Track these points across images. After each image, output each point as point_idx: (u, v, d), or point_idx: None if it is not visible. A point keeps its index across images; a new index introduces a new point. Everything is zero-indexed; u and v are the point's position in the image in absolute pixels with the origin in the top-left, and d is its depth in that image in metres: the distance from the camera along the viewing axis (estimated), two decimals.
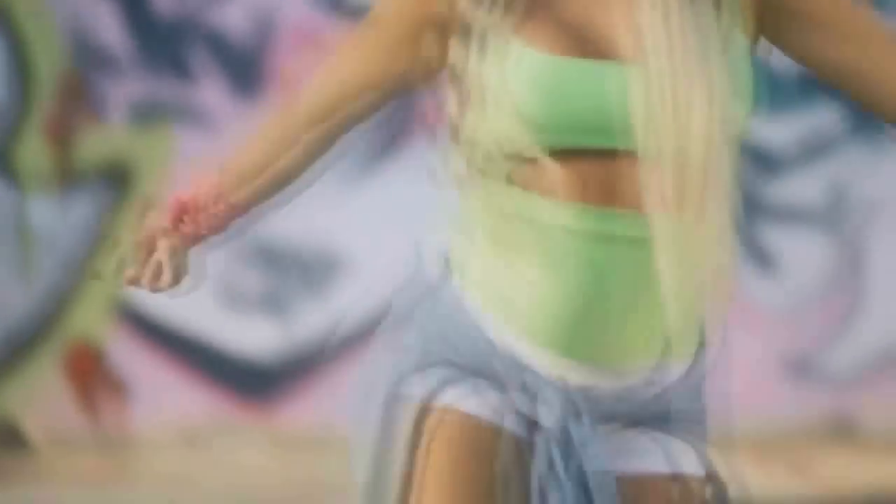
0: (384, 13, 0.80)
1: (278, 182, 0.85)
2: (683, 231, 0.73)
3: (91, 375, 4.52)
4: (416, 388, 0.77)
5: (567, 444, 0.75)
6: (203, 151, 4.48)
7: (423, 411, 0.76)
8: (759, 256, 4.41)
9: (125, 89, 4.53)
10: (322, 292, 4.51)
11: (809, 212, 4.46)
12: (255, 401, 4.55)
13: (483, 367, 0.77)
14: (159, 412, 4.47)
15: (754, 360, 4.29)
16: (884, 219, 4.42)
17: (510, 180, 0.75)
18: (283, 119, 0.85)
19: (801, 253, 4.44)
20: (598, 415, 0.77)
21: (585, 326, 0.76)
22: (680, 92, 0.72)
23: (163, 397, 4.48)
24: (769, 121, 4.46)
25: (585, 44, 0.74)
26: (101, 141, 4.55)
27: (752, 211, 4.45)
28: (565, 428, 0.75)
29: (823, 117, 4.47)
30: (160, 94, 4.54)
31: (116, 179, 4.52)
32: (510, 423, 0.76)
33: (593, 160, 0.74)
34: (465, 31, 0.75)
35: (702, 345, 0.81)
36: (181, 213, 0.85)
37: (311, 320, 4.47)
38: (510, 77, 0.73)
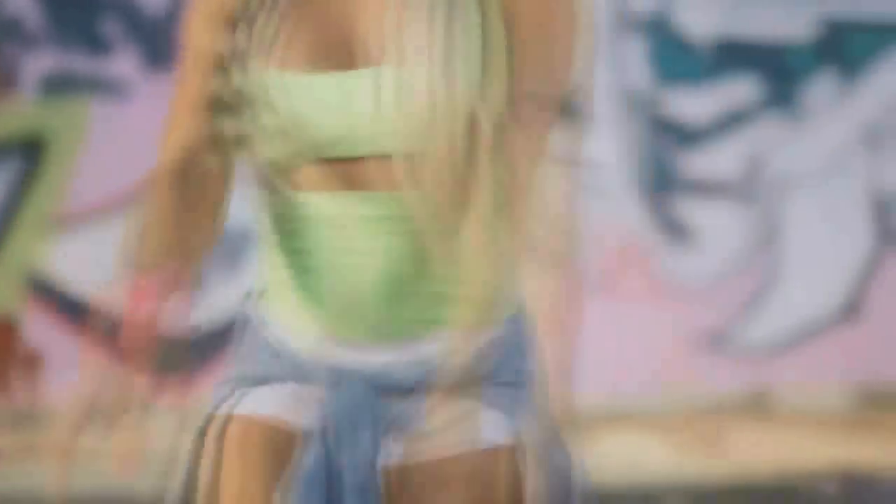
0: (186, 62, 0.80)
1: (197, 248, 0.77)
2: (444, 210, 0.74)
3: (4, 349, 4.51)
4: (221, 408, 0.78)
5: (340, 437, 0.74)
6: (117, 123, 4.50)
7: (224, 424, 0.77)
8: (676, 230, 4.42)
9: (38, 61, 4.52)
10: (238, 267, 4.50)
11: (725, 185, 4.47)
12: (169, 377, 4.54)
13: (285, 372, 0.78)
14: (73, 386, 4.47)
15: (670, 334, 4.32)
16: (800, 192, 4.44)
17: (281, 188, 0.78)
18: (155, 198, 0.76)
19: (717, 226, 4.45)
20: (400, 392, 0.76)
21: (361, 307, 0.76)
22: (428, 90, 0.72)
23: (77, 372, 4.46)
24: (685, 94, 4.47)
25: (339, 56, 0.75)
26: (13, 113, 4.55)
27: (667, 184, 4.47)
28: (343, 421, 0.74)
29: (739, 90, 4.47)
30: (73, 66, 4.54)
31: (30, 152, 4.52)
32: (307, 421, 0.75)
33: (347, 161, 0.75)
34: (235, 61, 0.76)
35: (514, 312, 0.77)
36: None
37: (227, 296, 4.46)
38: (263, 100, 0.75)
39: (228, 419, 0.77)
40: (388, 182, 0.74)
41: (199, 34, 0.79)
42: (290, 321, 0.79)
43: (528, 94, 0.75)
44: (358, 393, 0.75)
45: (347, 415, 0.74)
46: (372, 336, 0.76)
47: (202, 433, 0.79)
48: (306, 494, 0.72)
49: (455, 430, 0.74)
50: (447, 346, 0.74)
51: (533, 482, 0.73)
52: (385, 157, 0.74)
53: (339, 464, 0.73)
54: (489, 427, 0.74)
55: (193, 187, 0.76)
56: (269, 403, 0.77)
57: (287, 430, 0.75)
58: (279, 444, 0.75)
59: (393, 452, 0.74)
